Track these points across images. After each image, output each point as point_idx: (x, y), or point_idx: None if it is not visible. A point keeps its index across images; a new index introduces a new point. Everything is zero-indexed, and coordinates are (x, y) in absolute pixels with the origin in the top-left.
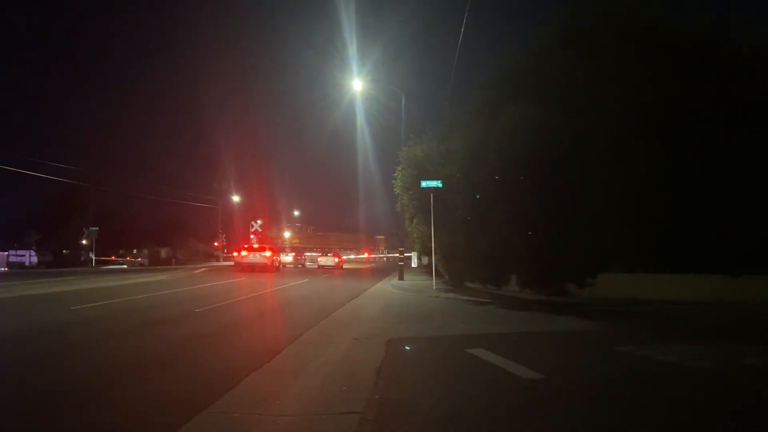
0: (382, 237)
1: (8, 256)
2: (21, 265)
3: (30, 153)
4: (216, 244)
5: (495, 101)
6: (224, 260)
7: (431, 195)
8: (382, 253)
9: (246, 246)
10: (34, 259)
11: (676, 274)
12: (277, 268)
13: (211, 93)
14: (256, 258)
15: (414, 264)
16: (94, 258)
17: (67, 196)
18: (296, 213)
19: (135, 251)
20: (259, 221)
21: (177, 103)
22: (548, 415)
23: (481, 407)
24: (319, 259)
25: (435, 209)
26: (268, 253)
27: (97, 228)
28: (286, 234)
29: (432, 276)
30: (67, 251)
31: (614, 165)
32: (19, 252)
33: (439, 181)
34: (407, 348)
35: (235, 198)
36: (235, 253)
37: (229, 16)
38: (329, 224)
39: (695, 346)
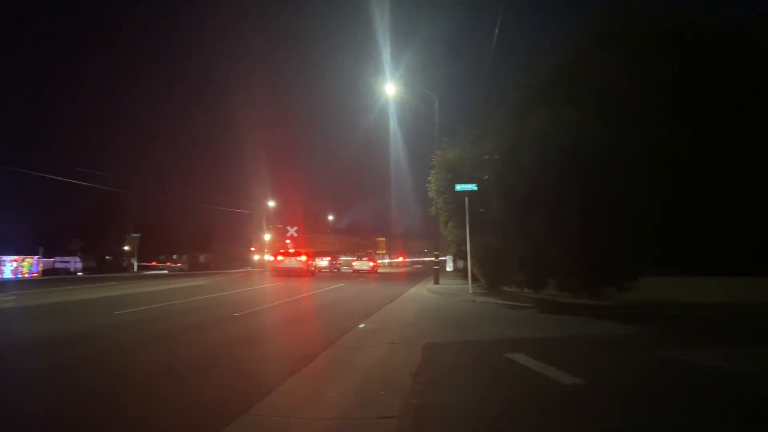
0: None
1: (54, 262)
2: (66, 271)
3: (74, 163)
4: (252, 248)
5: (528, 102)
6: (260, 265)
7: (466, 198)
8: (414, 257)
9: (282, 251)
10: (79, 265)
11: (718, 277)
12: (313, 273)
13: (245, 100)
14: (291, 262)
15: (449, 268)
16: (135, 264)
17: (110, 204)
18: (330, 218)
19: (175, 257)
20: (294, 227)
21: (212, 112)
22: (590, 421)
23: (520, 413)
24: (354, 263)
25: (470, 212)
26: (303, 258)
27: (139, 235)
28: (319, 238)
29: (467, 280)
30: (110, 257)
31: (654, 165)
32: (65, 258)
33: (473, 184)
34: (444, 352)
35: (271, 203)
36: (271, 258)
37: (264, 23)
38: (363, 229)
39: (738, 350)
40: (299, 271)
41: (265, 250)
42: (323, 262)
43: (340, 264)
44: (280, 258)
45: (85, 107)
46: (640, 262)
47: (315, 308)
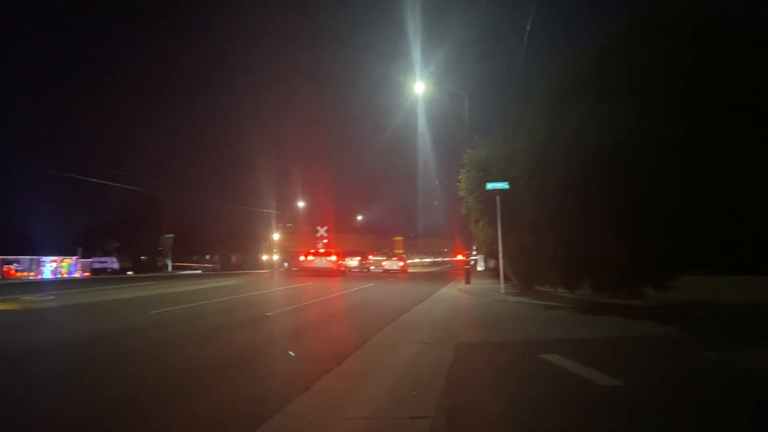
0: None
1: (92, 263)
2: (104, 271)
3: (110, 166)
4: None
5: (560, 99)
6: (269, 266)
7: (497, 197)
8: (440, 257)
9: (312, 251)
10: (116, 265)
11: (758, 276)
12: (343, 273)
13: (274, 100)
14: (322, 262)
15: (480, 267)
16: (170, 263)
17: (145, 205)
18: (359, 218)
19: (208, 257)
20: (324, 227)
21: (243, 113)
22: (629, 423)
23: (557, 414)
24: (384, 263)
25: (501, 211)
26: (333, 258)
27: (173, 235)
28: (343, 238)
29: (499, 279)
30: (145, 257)
31: (691, 161)
32: (102, 259)
33: (505, 183)
34: (477, 353)
35: (300, 204)
36: (301, 258)
37: (295, 23)
38: (379, 228)
39: None
40: (329, 271)
41: (274, 250)
42: (353, 261)
43: (370, 264)
44: (310, 258)
45: (121, 111)
46: (679, 261)
47: (346, 308)
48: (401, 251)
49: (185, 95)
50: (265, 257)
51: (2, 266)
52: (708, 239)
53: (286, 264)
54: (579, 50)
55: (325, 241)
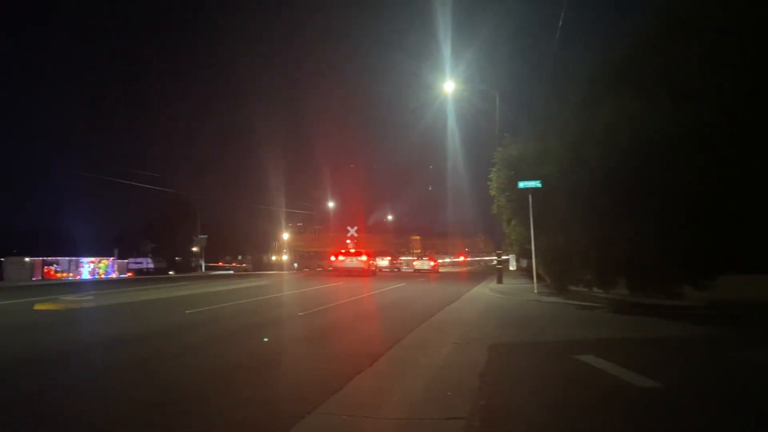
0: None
1: (128, 263)
2: (140, 272)
3: (146, 169)
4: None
5: (594, 96)
6: (300, 266)
7: (529, 196)
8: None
9: (343, 251)
10: (151, 266)
11: None
12: (374, 272)
13: (302, 100)
14: (352, 262)
15: (512, 267)
16: (203, 264)
17: (179, 207)
18: (390, 218)
19: (240, 257)
20: (354, 227)
21: (271, 113)
22: (667, 426)
23: (592, 417)
24: (414, 263)
25: (533, 210)
26: (364, 258)
27: (206, 236)
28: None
29: (532, 279)
30: (180, 258)
31: (731, 158)
32: (138, 259)
33: (537, 181)
34: (511, 353)
35: (330, 204)
36: (332, 258)
37: (324, 23)
38: (420, 228)
39: None
40: (360, 271)
41: (284, 251)
42: (384, 261)
43: (401, 263)
44: (341, 258)
45: (156, 116)
46: (718, 259)
47: (377, 308)
48: (418, 251)
49: (218, 98)
50: (274, 258)
51: (43, 267)
52: (747, 237)
53: (296, 265)
54: (611, 46)
55: (348, 241)
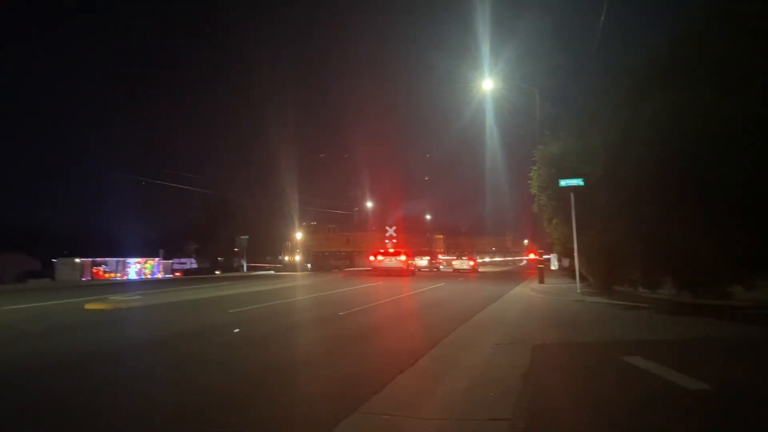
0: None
1: (173, 264)
2: (187, 272)
3: (189, 171)
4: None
5: (637, 91)
6: (314, 267)
7: (572, 194)
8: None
9: (382, 250)
10: (194, 266)
11: None
12: (413, 272)
13: (340, 98)
14: (392, 262)
15: (554, 266)
16: (245, 264)
17: (221, 208)
18: (428, 217)
19: (280, 257)
20: (393, 226)
21: (308, 111)
22: (718, 429)
23: (640, 419)
24: (453, 262)
25: (575, 208)
26: (403, 257)
27: (247, 236)
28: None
29: (575, 279)
30: (222, 258)
31: None
32: (182, 260)
33: (579, 179)
34: (555, 354)
35: (369, 204)
36: (371, 258)
37: (356, 21)
38: (459, 227)
39: None
40: (399, 271)
41: (297, 251)
42: (423, 261)
43: (440, 263)
44: (380, 258)
45: (199, 118)
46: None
47: (417, 308)
48: (441, 250)
49: (259, 101)
50: (286, 258)
51: (92, 268)
52: None
53: (309, 265)
54: (654, 40)
55: (387, 241)
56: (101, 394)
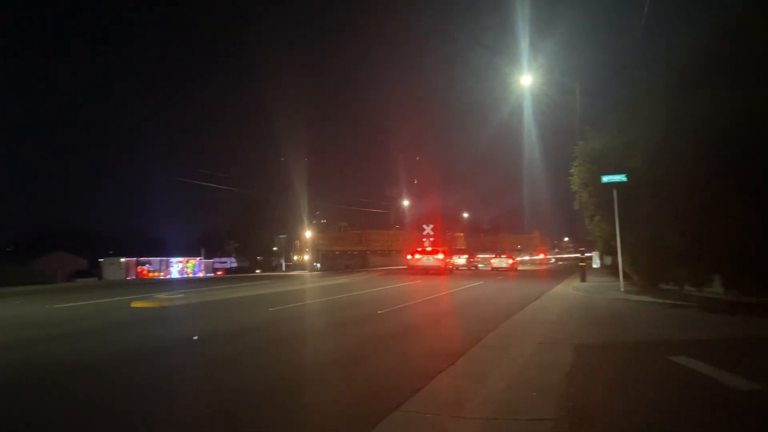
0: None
1: (214, 263)
2: (229, 270)
3: (230, 172)
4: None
5: (682, 85)
6: (323, 266)
7: (614, 190)
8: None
9: (419, 249)
10: (234, 265)
11: None
12: (451, 271)
13: (378, 96)
14: (429, 261)
15: (596, 264)
16: (283, 263)
17: (260, 208)
18: (465, 215)
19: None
20: (430, 225)
21: (347, 110)
22: None
23: (688, 420)
24: (492, 260)
25: (619, 205)
26: (440, 256)
27: (285, 236)
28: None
29: (618, 277)
30: (261, 257)
31: None
32: (222, 259)
33: (622, 175)
34: (599, 354)
35: (405, 203)
36: (408, 257)
37: (393, 20)
38: (495, 224)
39: None
40: (437, 269)
41: (306, 250)
42: (461, 259)
43: (478, 261)
44: (417, 256)
45: (238, 119)
46: None
47: (456, 306)
48: (463, 248)
49: (296, 100)
50: (296, 258)
51: (136, 267)
52: None
53: (318, 265)
54: (700, 32)
55: (424, 239)
56: (155, 388)
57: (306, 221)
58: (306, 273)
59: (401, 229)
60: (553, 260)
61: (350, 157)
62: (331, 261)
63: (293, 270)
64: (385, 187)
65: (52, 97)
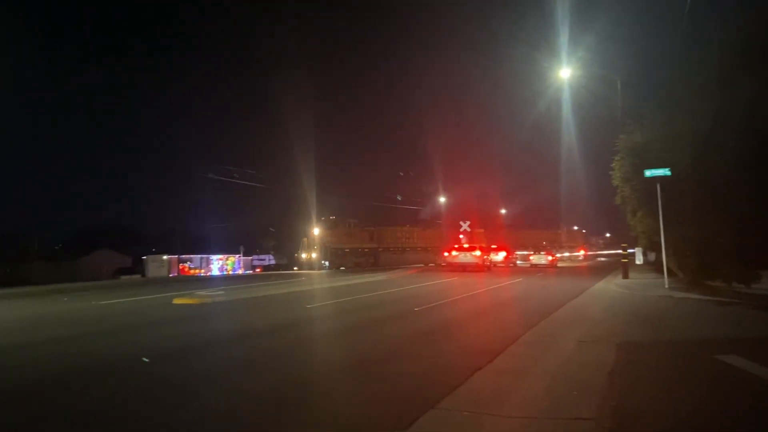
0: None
1: (252, 260)
2: (267, 267)
3: (267, 170)
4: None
5: (729, 76)
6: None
7: (658, 185)
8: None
9: (456, 246)
10: (272, 262)
11: None
12: (488, 268)
13: (415, 92)
14: (466, 257)
15: (639, 261)
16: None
17: (297, 205)
18: (503, 211)
19: (296, 254)
20: (467, 221)
21: (383, 106)
22: None
23: (738, 421)
24: (531, 257)
25: (662, 199)
26: (478, 253)
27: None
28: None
29: (662, 274)
30: (297, 254)
31: None
32: (261, 256)
33: (666, 169)
34: (643, 352)
35: (441, 199)
36: (445, 253)
37: (427, 14)
38: (533, 220)
39: None
40: (474, 266)
41: (314, 248)
42: (498, 256)
43: (516, 258)
44: (454, 253)
45: (273, 117)
46: None
47: (494, 304)
48: (484, 245)
49: (331, 97)
50: (303, 255)
51: (178, 264)
52: None
53: (326, 263)
54: (748, 20)
55: (461, 236)
56: (206, 379)
57: (314, 218)
58: (314, 272)
59: (418, 225)
60: (581, 257)
61: (381, 154)
62: (340, 259)
63: (301, 269)
64: (420, 184)
65: (99, 100)
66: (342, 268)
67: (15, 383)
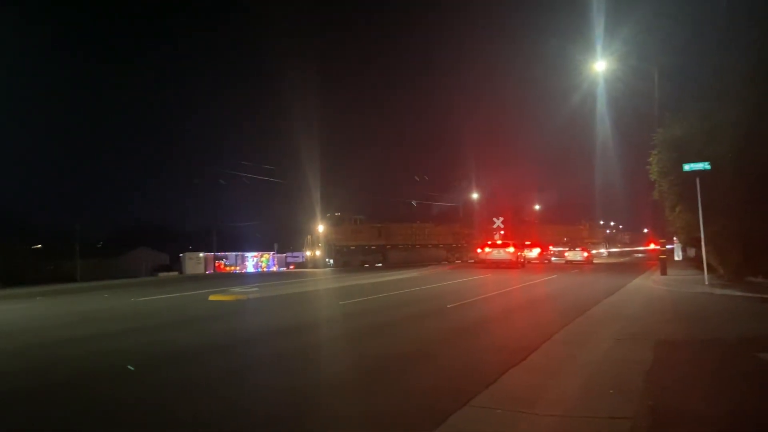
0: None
1: (286, 257)
2: (299, 264)
3: (295, 168)
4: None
5: None
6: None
7: (697, 179)
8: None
9: (489, 242)
10: (303, 259)
11: None
12: (522, 264)
13: (445, 86)
14: (499, 254)
15: (677, 257)
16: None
17: (329, 200)
18: (537, 207)
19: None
20: (500, 218)
21: (419, 103)
22: None
23: None
24: (566, 254)
25: (702, 194)
26: (511, 249)
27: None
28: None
29: (702, 270)
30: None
31: None
32: (294, 254)
33: (706, 162)
34: (681, 350)
35: (474, 195)
36: (478, 250)
37: (465, 8)
38: (568, 215)
39: None
40: (508, 263)
41: (319, 245)
42: (532, 253)
43: (551, 255)
44: (487, 250)
45: (304, 118)
46: None
47: (528, 300)
48: (500, 241)
49: (360, 95)
50: (308, 254)
51: (214, 261)
52: None
53: (331, 261)
54: None
55: (495, 233)
56: (238, 376)
57: (318, 214)
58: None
59: (430, 220)
60: (605, 254)
61: (412, 148)
62: (345, 257)
63: (304, 266)
64: (450, 180)
65: (138, 103)
66: (329, 261)
67: (75, 373)
